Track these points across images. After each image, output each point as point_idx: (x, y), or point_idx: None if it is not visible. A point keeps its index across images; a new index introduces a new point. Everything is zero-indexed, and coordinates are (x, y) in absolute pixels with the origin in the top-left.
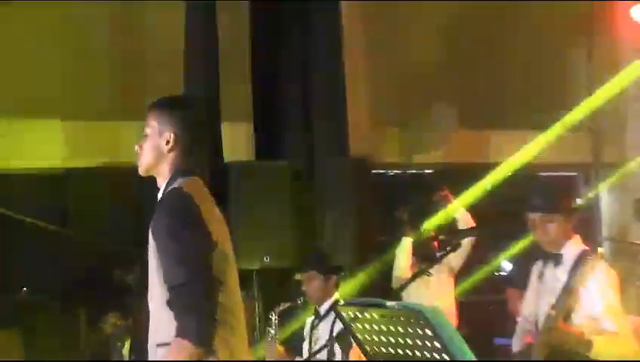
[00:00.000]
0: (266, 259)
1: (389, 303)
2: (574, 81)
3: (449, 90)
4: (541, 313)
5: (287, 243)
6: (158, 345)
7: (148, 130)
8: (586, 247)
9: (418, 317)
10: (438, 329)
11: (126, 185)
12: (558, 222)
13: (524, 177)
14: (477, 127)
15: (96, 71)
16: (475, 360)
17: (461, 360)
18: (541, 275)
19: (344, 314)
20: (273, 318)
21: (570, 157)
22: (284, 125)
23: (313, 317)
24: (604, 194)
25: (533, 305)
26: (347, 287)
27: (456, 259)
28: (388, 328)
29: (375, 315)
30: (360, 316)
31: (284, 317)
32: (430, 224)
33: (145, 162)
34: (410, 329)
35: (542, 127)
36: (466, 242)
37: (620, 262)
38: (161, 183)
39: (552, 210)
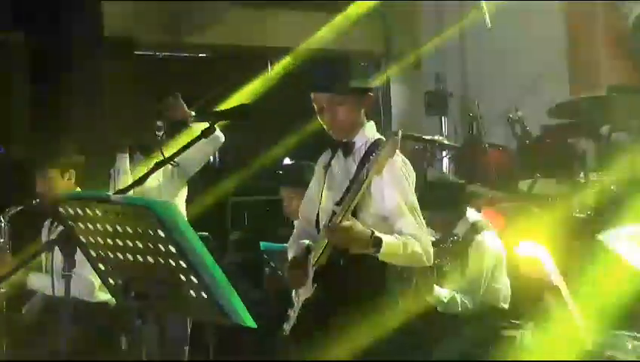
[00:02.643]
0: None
1: (113, 197)
2: None
3: None
4: (325, 210)
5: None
6: None
7: None
8: (381, 136)
9: (146, 212)
10: (170, 228)
11: None
12: (348, 105)
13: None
14: (256, 5)
15: None
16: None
17: (201, 267)
18: (327, 168)
19: (64, 212)
20: (2, 223)
21: (360, 44)
22: None
23: None
24: (395, 87)
25: (314, 202)
26: None
27: (190, 158)
28: (114, 228)
29: (98, 212)
30: (82, 213)
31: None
32: None
33: None
34: (139, 230)
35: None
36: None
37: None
38: None
39: (341, 90)
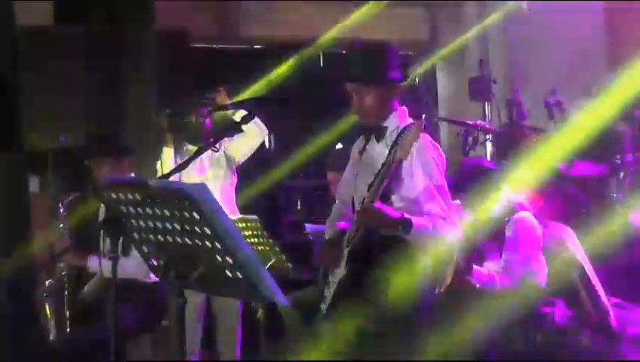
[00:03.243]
0: (62, 138)
1: (151, 181)
2: None
3: None
4: (359, 193)
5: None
6: None
7: None
8: (413, 121)
9: (180, 196)
10: (203, 210)
11: None
12: (375, 93)
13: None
14: None
15: None
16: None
17: (234, 248)
18: (362, 152)
19: (109, 197)
20: (61, 210)
21: (406, 33)
22: None
23: None
24: (441, 74)
25: (350, 185)
26: None
27: (235, 148)
28: (154, 211)
29: (138, 196)
30: (123, 197)
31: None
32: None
33: None
34: (176, 213)
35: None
36: (253, 130)
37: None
38: None
39: (366, 79)
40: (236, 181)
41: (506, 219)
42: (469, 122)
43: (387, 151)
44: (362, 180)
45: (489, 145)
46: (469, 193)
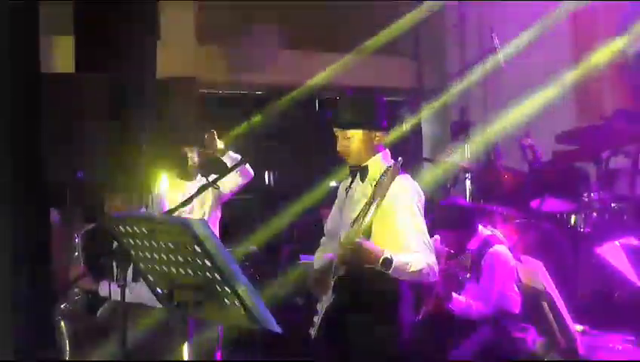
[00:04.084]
0: (80, 175)
1: (157, 216)
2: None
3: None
4: (344, 229)
5: (103, 159)
6: None
7: None
8: (394, 162)
9: (184, 230)
10: (204, 243)
11: None
12: (357, 137)
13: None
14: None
15: None
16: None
17: (232, 279)
18: (348, 189)
19: (118, 230)
20: (77, 240)
21: (394, 81)
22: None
23: None
24: (425, 119)
25: (336, 221)
26: None
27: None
28: (158, 244)
29: (145, 230)
30: (130, 230)
31: None
32: None
33: None
34: (179, 245)
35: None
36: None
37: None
38: None
39: (348, 125)
40: (220, 216)
41: (483, 251)
42: (449, 161)
43: (370, 190)
44: (347, 216)
45: (468, 183)
46: (447, 229)
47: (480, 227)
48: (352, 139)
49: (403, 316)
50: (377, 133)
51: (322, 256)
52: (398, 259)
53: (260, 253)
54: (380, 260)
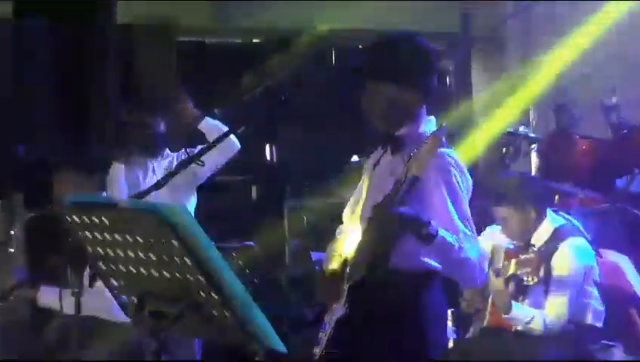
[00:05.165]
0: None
1: (120, 202)
2: None
3: None
4: (364, 215)
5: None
6: None
7: None
8: (436, 130)
9: (156, 219)
10: (182, 235)
11: None
12: (389, 92)
13: None
14: None
15: None
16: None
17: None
18: (376, 165)
19: (70, 220)
20: (13, 233)
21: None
22: None
23: None
24: (476, 70)
25: (356, 201)
26: None
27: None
28: (125, 238)
29: (106, 220)
30: (87, 220)
31: None
32: None
33: None
34: (151, 239)
35: None
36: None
37: None
38: None
39: (380, 75)
40: (196, 202)
41: (553, 246)
42: (509, 129)
43: (403, 166)
44: (371, 198)
45: (534, 157)
46: (505, 217)
47: (549, 213)
48: (383, 98)
49: (435, 333)
50: (417, 92)
51: (336, 248)
52: (444, 237)
53: (259, 249)
54: (424, 227)
